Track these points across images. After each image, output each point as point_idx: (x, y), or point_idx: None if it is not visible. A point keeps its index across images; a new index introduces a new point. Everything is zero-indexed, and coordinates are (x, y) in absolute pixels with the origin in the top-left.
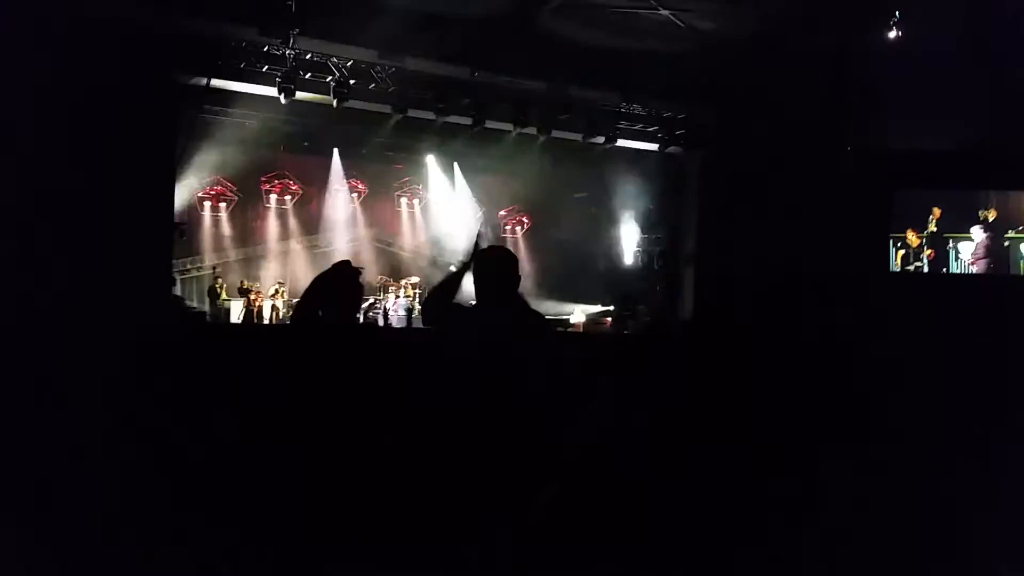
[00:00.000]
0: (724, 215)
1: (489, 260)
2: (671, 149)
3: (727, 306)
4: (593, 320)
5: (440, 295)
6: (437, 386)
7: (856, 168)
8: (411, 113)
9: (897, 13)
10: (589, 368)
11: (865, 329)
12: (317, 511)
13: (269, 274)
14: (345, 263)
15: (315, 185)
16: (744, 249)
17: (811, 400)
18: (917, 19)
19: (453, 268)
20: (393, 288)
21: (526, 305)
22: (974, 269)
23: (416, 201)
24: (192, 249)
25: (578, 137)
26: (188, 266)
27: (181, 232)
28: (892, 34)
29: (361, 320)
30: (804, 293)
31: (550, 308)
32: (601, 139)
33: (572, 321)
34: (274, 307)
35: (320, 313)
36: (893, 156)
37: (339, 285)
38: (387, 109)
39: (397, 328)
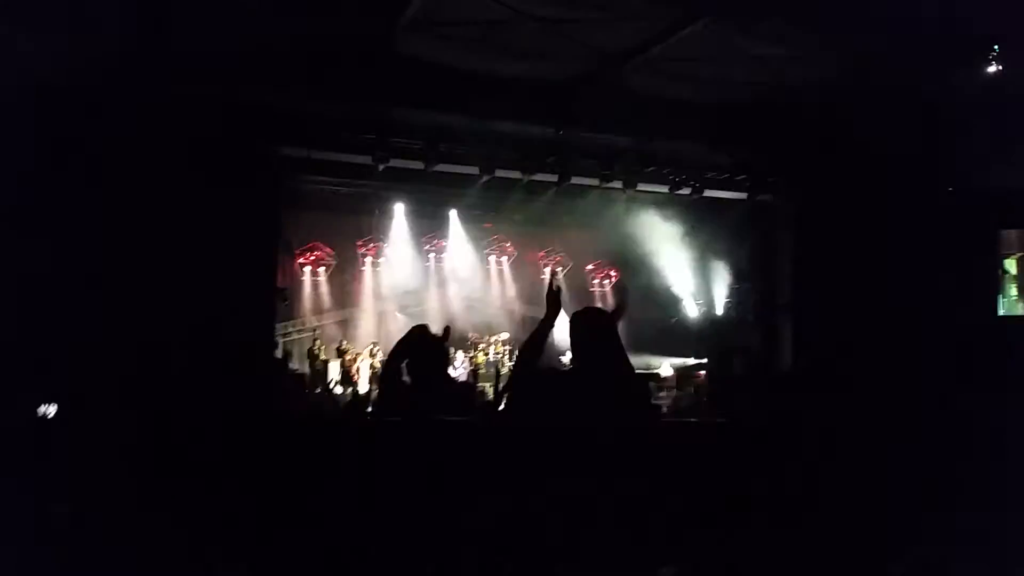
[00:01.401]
0: (821, 262)
1: (589, 320)
2: (761, 197)
3: (828, 356)
4: (684, 373)
5: (529, 352)
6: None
7: (960, 209)
8: (498, 173)
9: (996, 47)
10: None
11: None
12: None
13: (364, 334)
14: (422, 327)
15: (408, 248)
16: (842, 296)
17: (920, 458)
18: (1017, 52)
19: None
20: (483, 345)
21: (632, 370)
22: None
23: (504, 258)
24: (293, 312)
25: (664, 189)
26: (289, 329)
27: (284, 297)
28: (992, 68)
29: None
30: (908, 342)
31: (639, 362)
32: (687, 190)
33: (661, 374)
34: (372, 366)
35: (405, 378)
36: (998, 195)
37: (418, 351)
38: (475, 171)
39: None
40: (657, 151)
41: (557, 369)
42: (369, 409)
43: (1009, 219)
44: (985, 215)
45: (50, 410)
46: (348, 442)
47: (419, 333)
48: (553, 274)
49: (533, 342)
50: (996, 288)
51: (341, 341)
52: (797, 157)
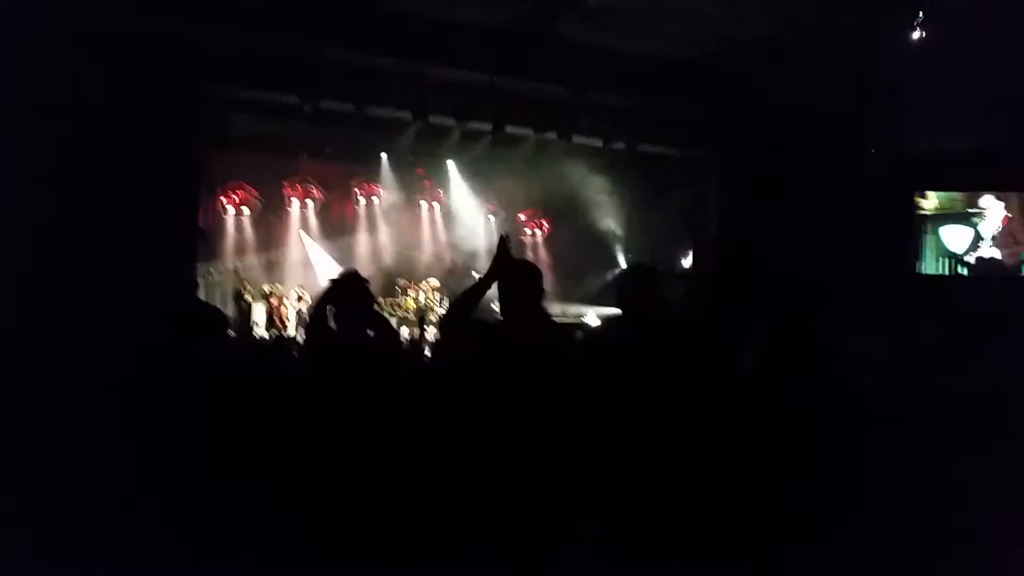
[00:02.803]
0: (744, 218)
1: (517, 273)
2: (692, 152)
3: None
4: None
5: (463, 307)
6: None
7: (881, 170)
8: (432, 120)
9: (921, 13)
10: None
11: (888, 334)
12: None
13: (290, 277)
14: (351, 273)
15: (337, 191)
16: (764, 252)
17: (825, 407)
18: (942, 17)
19: (476, 276)
20: (412, 291)
21: (551, 319)
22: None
23: (436, 205)
24: (215, 253)
25: (599, 142)
26: (211, 270)
27: (205, 237)
28: (916, 34)
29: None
30: (825, 298)
31: (566, 311)
32: (621, 144)
33: (589, 324)
34: (299, 312)
35: (332, 324)
36: (918, 158)
37: (349, 296)
38: (408, 115)
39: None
40: (593, 104)
41: (485, 320)
42: (294, 353)
43: (930, 182)
44: (905, 175)
45: None
46: (275, 389)
47: (346, 278)
48: (504, 238)
49: (468, 295)
50: (916, 248)
51: (265, 284)
52: (729, 114)
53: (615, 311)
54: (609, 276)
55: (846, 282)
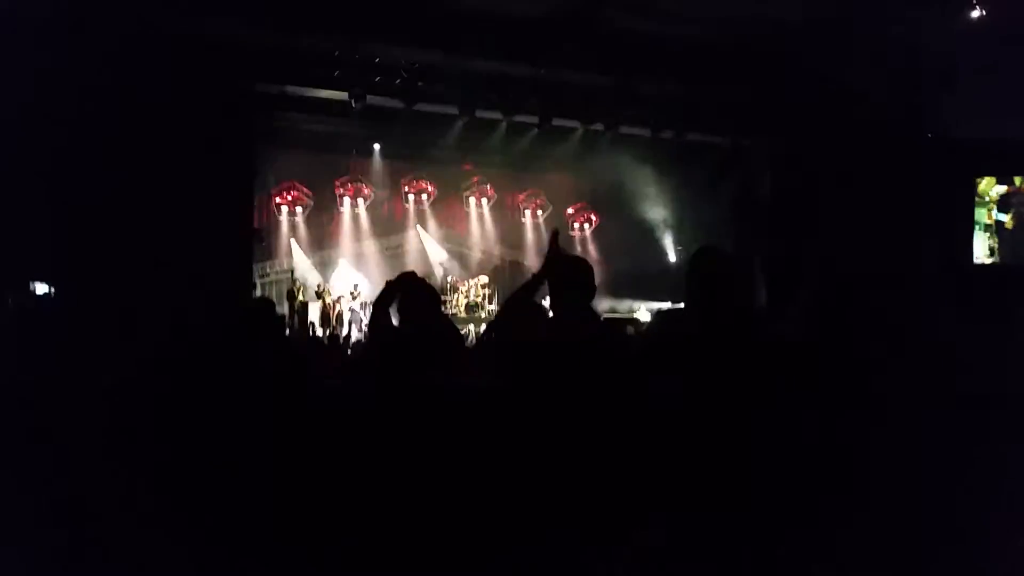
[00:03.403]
0: (799, 206)
1: (567, 271)
2: (742, 140)
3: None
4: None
5: (515, 307)
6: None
7: (936, 156)
8: (478, 114)
9: None
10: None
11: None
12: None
13: (344, 275)
14: (410, 274)
15: (386, 188)
16: (818, 241)
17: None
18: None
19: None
20: (463, 288)
21: (598, 318)
22: None
23: (485, 200)
24: (271, 253)
25: (646, 132)
26: (267, 270)
27: (261, 238)
28: (975, 13)
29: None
30: (879, 289)
31: (617, 306)
32: (670, 133)
33: (640, 319)
34: (351, 309)
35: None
36: (975, 144)
37: (409, 297)
38: (454, 111)
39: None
40: (640, 93)
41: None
42: (350, 352)
43: (985, 167)
44: (962, 163)
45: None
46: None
47: (407, 279)
48: (555, 234)
49: (522, 293)
50: (971, 235)
51: (320, 283)
52: (778, 100)
53: (671, 305)
54: (660, 268)
55: (906, 272)
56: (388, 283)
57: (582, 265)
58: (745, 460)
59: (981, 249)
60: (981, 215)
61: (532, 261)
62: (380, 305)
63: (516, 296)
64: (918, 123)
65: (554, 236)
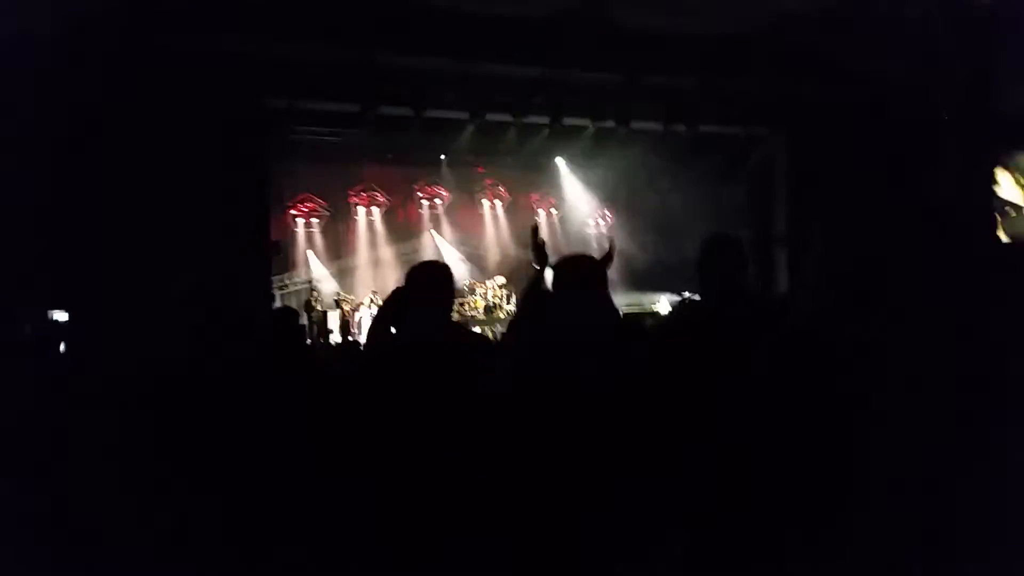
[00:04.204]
0: (816, 193)
1: (566, 264)
2: (756, 130)
3: (824, 288)
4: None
5: (526, 305)
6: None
7: (956, 137)
8: (488, 117)
9: None
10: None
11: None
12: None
13: (362, 283)
14: (432, 262)
15: (399, 195)
16: (838, 226)
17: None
18: None
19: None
20: (480, 290)
21: (610, 310)
22: None
23: (498, 202)
24: (289, 265)
25: (658, 126)
26: (286, 282)
27: (278, 250)
28: None
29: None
30: (906, 272)
31: (635, 300)
32: (682, 126)
33: (659, 311)
34: (371, 316)
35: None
36: (998, 121)
37: (429, 286)
38: (465, 115)
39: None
40: (649, 88)
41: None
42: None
43: (1012, 145)
44: (982, 141)
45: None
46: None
47: (430, 267)
48: (535, 228)
49: (526, 296)
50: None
51: (338, 292)
52: (790, 87)
53: (691, 295)
54: (679, 260)
55: (928, 255)
56: (385, 301)
57: (581, 259)
58: (748, 456)
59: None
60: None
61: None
62: (376, 324)
63: (523, 297)
64: (946, 99)
65: (533, 230)
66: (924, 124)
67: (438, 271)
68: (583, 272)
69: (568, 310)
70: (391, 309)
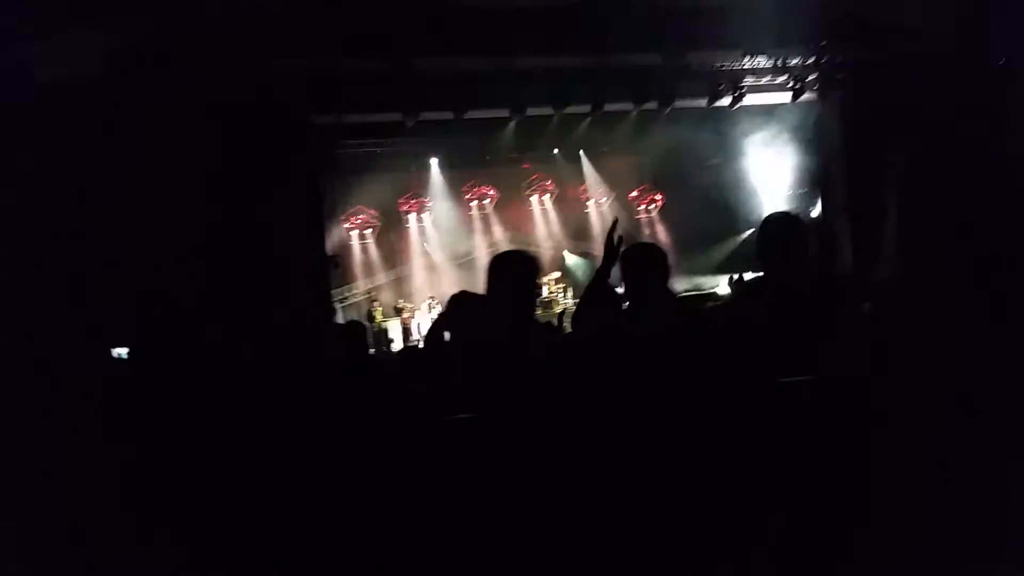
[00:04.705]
0: (872, 158)
1: (637, 257)
2: (804, 97)
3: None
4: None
5: (589, 301)
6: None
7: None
8: (529, 112)
9: None
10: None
11: None
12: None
13: (419, 290)
14: (517, 251)
15: (448, 199)
16: (901, 193)
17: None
18: None
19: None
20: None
21: (676, 303)
22: None
23: (547, 197)
24: (347, 277)
25: (702, 102)
26: (346, 294)
27: (336, 263)
28: None
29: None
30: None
31: (694, 284)
32: (726, 100)
33: (719, 293)
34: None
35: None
36: None
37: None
38: (505, 112)
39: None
40: (689, 65)
41: (617, 306)
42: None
43: None
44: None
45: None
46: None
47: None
48: (614, 223)
49: (590, 291)
50: None
51: (398, 300)
52: (838, 52)
53: (753, 275)
54: (734, 239)
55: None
56: (440, 313)
57: (649, 248)
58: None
59: None
60: None
61: (602, 250)
62: (431, 334)
63: (588, 289)
64: (986, 60)
65: (612, 225)
66: (985, 76)
67: (523, 262)
68: (654, 264)
69: (638, 304)
70: (452, 318)
